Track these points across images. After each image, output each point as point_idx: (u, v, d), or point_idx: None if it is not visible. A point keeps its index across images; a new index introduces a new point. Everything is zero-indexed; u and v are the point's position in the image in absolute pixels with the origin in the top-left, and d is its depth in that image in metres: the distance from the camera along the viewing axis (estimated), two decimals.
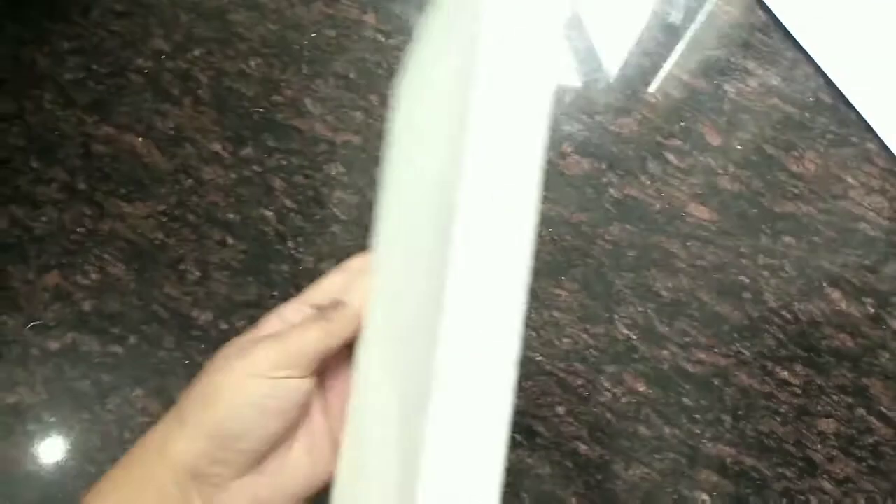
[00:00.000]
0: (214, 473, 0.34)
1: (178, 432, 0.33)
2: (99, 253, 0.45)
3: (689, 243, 0.48)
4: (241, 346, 0.34)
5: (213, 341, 0.44)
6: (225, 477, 0.34)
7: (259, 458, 0.35)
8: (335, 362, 0.36)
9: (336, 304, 0.35)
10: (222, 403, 0.33)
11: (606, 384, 0.46)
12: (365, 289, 0.35)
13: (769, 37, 0.50)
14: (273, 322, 0.36)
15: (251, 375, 0.33)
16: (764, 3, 0.50)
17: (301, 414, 0.35)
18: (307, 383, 0.35)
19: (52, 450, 0.43)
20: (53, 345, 0.44)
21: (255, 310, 0.44)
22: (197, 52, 0.46)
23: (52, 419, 0.43)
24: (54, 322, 0.45)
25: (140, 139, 0.46)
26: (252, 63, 0.47)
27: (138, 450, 0.34)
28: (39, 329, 0.45)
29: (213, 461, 0.34)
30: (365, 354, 0.33)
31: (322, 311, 0.35)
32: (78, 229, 0.46)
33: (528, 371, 0.45)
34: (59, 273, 0.45)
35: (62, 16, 0.47)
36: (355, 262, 0.38)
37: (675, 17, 0.50)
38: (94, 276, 0.45)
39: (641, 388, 0.46)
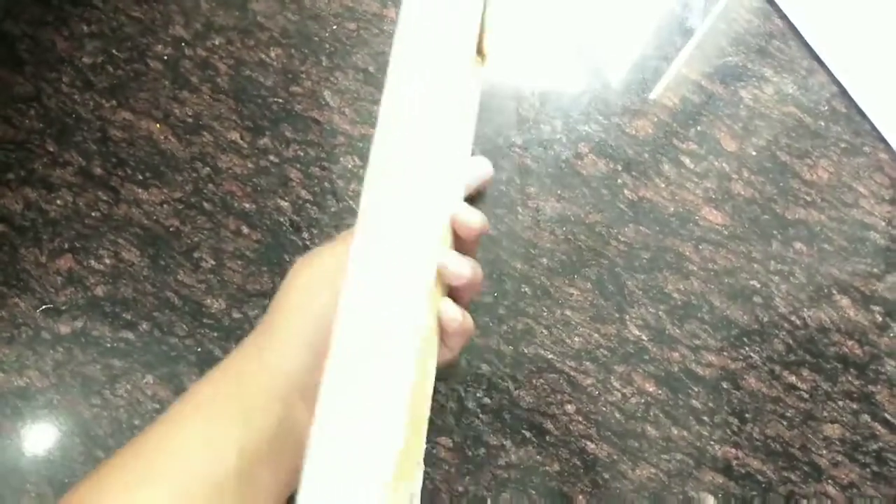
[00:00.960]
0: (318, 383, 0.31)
1: (277, 347, 0.32)
2: (113, 238, 0.45)
3: (701, 247, 0.48)
4: (331, 262, 0.33)
5: (226, 330, 0.44)
6: None
7: None
8: None
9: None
10: (317, 308, 0.32)
11: (616, 384, 0.46)
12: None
13: (786, 44, 0.50)
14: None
15: (340, 263, 0.30)
16: (781, 10, 0.51)
17: None
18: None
19: (60, 434, 0.43)
20: (64, 329, 0.44)
21: (269, 300, 0.44)
22: (217, 41, 0.46)
23: (62, 403, 0.43)
24: (66, 306, 0.45)
25: (157, 125, 0.46)
26: (272, 53, 0.47)
27: (231, 367, 0.33)
28: (51, 312, 0.44)
29: (318, 369, 0.30)
30: None
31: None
32: (93, 213, 0.45)
33: (539, 368, 0.46)
34: (72, 257, 0.45)
35: (83, 0, 0.46)
36: None
37: (693, 21, 0.51)
38: (107, 260, 0.45)
39: (651, 388, 0.46)
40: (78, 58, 0.46)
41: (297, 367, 0.32)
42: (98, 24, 0.46)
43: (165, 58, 0.46)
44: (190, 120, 0.46)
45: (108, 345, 0.44)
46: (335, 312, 0.28)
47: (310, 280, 0.33)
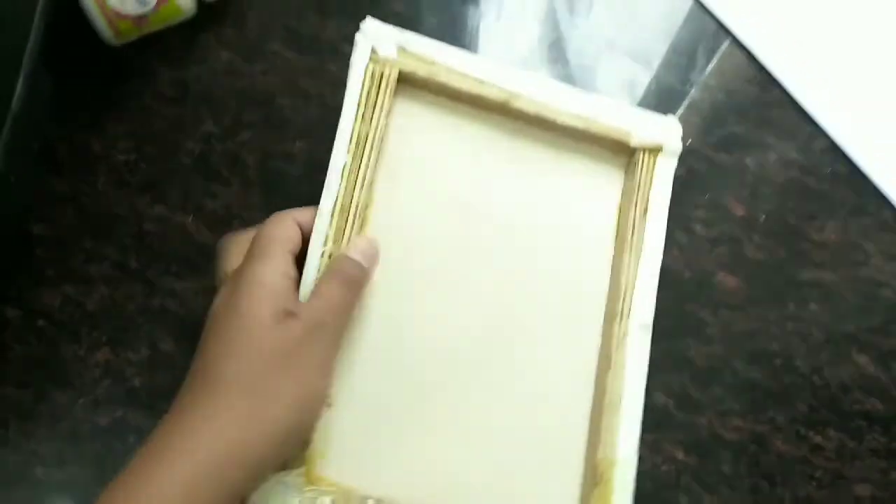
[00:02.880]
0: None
1: (271, 448, 0.34)
2: (149, 329, 0.47)
3: (719, 311, 0.49)
4: (295, 335, 0.35)
5: None
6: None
7: None
8: None
9: (358, 267, 0.39)
10: (319, 408, 0.37)
11: (645, 452, 0.47)
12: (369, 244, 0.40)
13: (785, 112, 0.52)
14: (280, 283, 0.36)
15: (325, 365, 0.38)
16: (778, 80, 0.53)
17: None
18: None
19: None
20: (104, 421, 0.45)
21: None
22: (245, 136, 0.49)
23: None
24: (104, 398, 0.46)
25: (190, 218, 0.48)
26: (297, 145, 0.49)
27: (213, 459, 0.33)
28: (89, 405, 0.46)
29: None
30: None
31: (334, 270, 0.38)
32: (129, 306, 0.47)
33: None
34: (109, 349, 0.46)
35: (116, 103, 0.49)
36: (296, 213, 0.40)
37: (696, 95, 0.53)
38: (144, 351, 0.46)
39: (680, 455, 0.47)
40: (113, 157, 0.49)
41: (282, 455, 0.35)
42: (131, 124, 0.49)
43: (196, 153, 0.49)
44: (221, 212, 0.48)
45: (147, 435, 0.45)
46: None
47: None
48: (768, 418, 0.48)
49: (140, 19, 0.45)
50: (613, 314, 0.42)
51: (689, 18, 0.54)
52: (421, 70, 0.43)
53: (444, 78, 0.43)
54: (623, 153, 0.45)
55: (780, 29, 0.53)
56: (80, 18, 0.45)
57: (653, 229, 0.43)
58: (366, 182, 0.41)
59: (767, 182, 0.51)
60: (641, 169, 0.43)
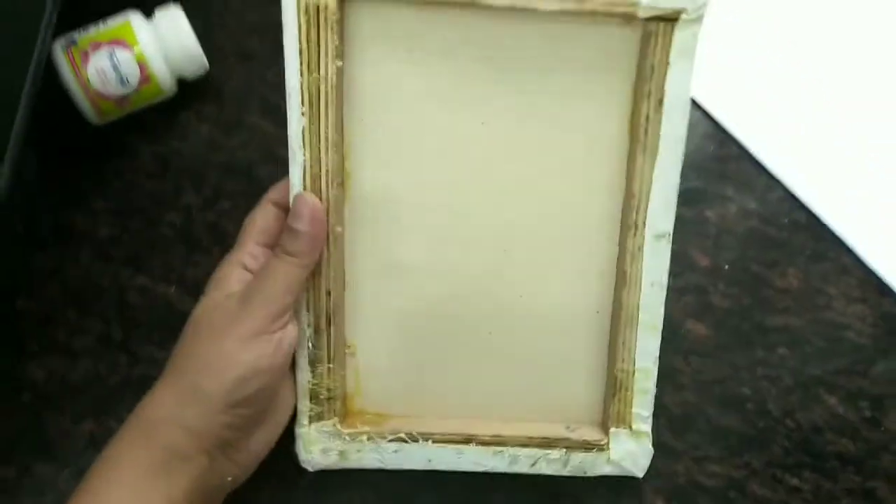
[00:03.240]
0: (237, 438, 0.38)
1: (196, 408, 0.36)
2: (133, 398, 0.47)
3: (690, 358, 0.51)
4: (226, 311, 0.38)
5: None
6: (246, 435, 0.39)
7: (270, 407, 0.40)
8: None
9: (295, 234, 0.38)
10: (234, 371, 0.37)
11: (626, 501, 0.48)
12: (311, 208, 0.38)
13: (741, 165, 0.55)
14: (236, 274, 0.40)
15: (253, 337, 0.37)
16: (734, 137, 0.56)
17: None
18: (294, 323, 0.39)
19: None
20: None
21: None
22: (225, 205, 0.50)
23: None
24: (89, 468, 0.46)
25: (173, 288, 0.49)
26: None
27: (152, 421, 0.37)
28: (74, 476, 0.46)
29: (235, 428, 0.37)
30: None
31: (281, 246, 0.38)
32: (113, 377, 0.48)
33: (550, 494, 0.47)
34: (94, 420, 0.47)
35: (99, 178, 0.51)
36: (272, 194, 0.42)
37: None
38: None
39: None
40: (96, 232, 0.50)
41: (218, 428, 0.37)
42: (114, 199, 0.51)
43: (178, 224, 0.50)
44: (203, 280, 0.49)
45: None
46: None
47: (226, 355, 0.37)
48: (744, 463, 0.49)
49: (122, 100, 0.47)
50: (628, 225, 0.41)
51: None
52: None
53: None
54: (633, 28, 0.37)
55: (733, 87, 0.56)
56: (65, 100, 0.47)
57: (670, 122, 0.38)
58: (330, 142, 0.38)
59: (729, 233, 0.53)
60: (655, 47, 0.37)
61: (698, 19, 0.37)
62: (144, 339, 0.49)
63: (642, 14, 0.36)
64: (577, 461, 0.44)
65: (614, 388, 0.43)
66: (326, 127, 0.38)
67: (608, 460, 0.44)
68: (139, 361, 0.48)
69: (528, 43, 0.38)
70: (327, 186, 0.39)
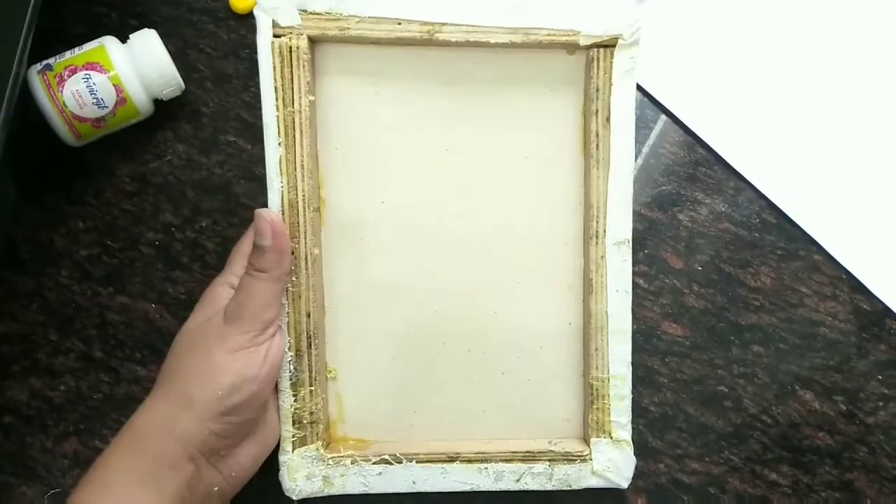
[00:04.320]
0: (226, 446, 0.39)
1: (186, 414, 0.38)
2: (116, 417, 0.48)
3: (667, 359, 0.51)
4: (214, 326, 0.40)
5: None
6: (234, 445, 0.40)
7: (258, 421, 0.41)
8: None
9: (261, 251, 0.40)
10: (225, 379, 0.38)
11: (608, 502, 0.48)
12: (271, 223, 0.40)
13: (711, 169, 0.56)
14: (224, 293, 0.42)
15: (241, 349, 0.39)
16: (703, 141, 0.57)
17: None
18: (280, 334, 0.41)
19: None
20: None
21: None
22: (204, 223, 0.51)
23: None
24: (73, 488, 0.46)
25: (153, 306, 0.50)
26: None
27: (142, 431, 0.39)
28: (58, 497, 0.46)
29: (223, 436, 0.39)
30: None
31: (250, 264, 0.40)
32: (95, 395, 0.48)
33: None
34: (77, 439, 0.47)
35: (78, 199, 0.51)
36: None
37: None
38: (111, 439, 0.47)
39: (642, 503, 0.48)
40: (75, 251, 0.50)
41: (206, 435, 0.38)
42: (93, 219, 0.51)
43: (157, 243, 0.51)
44: (183, 297, 0.50)
45: None
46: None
47: (216, 365, 0.39)
48: (724, 459, 0.50)
49: (98, 121, 0.48)
50: (589, 236, 0.43)
51: None
52: (330, 29, 0.40)
53: (357, 30, 0.40)
54: (578, 55, 0.42)
55: (702, 95, 0.57)
56: (42, 123, 0.48)
57: (619, 137, 0.42)
58: (306, 170, 0.40)
59: (701, 235, 0.54)
60: (598, 70, 0.41)
61: (634, 43, 0.41)
62: (126, 358, 0.49)
63: (583, 42, 0.41)
64: (561, 474, 0.45)
65: (592, 396, 0.44)
66: (302, 156, 0.41)
67: (592, 472, 0.45)
68: (121, 380, 0.48)
69: (487, 71, 0.42)
70: (304, 211, 0.41)
